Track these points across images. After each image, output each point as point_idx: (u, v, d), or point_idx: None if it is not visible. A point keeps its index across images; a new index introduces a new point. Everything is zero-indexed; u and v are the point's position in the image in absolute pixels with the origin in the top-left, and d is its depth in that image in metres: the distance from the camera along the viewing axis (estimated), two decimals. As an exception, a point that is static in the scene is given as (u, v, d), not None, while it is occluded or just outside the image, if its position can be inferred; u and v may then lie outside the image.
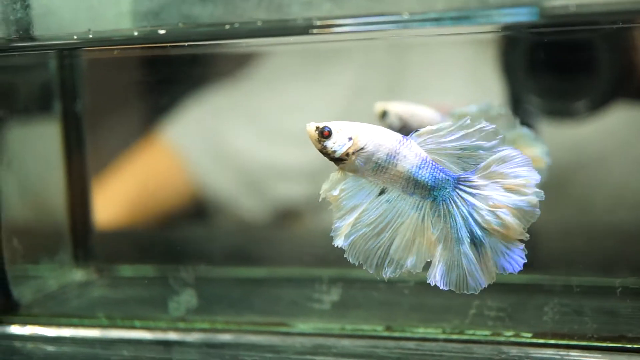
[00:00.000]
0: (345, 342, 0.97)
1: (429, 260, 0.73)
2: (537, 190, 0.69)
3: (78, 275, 1.24)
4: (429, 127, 0.72)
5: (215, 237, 1.34)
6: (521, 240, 0.70)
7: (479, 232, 0.70)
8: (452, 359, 0.92)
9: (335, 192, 0.73)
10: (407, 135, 0.73)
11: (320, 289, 1.09)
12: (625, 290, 0.98)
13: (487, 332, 0.96)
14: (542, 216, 0.71)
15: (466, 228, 0.70)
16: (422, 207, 0.72)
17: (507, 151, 0.70)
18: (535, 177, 0.69)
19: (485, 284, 0.71)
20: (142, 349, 1.01)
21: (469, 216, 0.70)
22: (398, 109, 0.90)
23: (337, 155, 0.72)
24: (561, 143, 1.29)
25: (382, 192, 0.73)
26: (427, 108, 0.92)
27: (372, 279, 1.08)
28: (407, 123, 0.90)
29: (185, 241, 1.35)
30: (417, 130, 0.73)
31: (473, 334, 0.96)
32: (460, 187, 0.71)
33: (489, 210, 0.70)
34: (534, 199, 0.69)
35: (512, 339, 0.94)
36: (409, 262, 0.73)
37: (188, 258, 1.22)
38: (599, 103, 1.21)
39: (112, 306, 1.15)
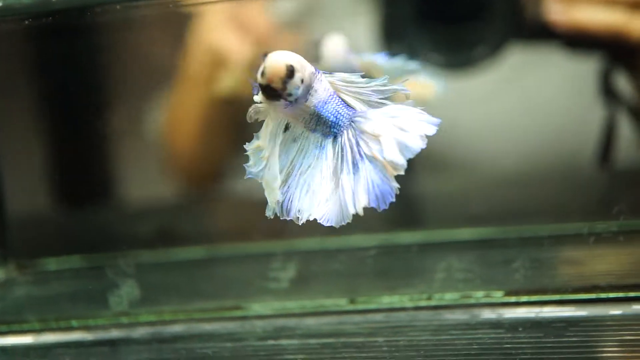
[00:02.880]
0: (310, 321, 0.91)
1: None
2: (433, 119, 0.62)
3: (-4, 274, 1.12)
4: (348, 75, 0.65)
5: (147, 216, 1.23)
6: (397, 177, 0.62)
7: (358, 157, 0.63)
8: (425, 329, 0.88)
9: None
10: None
11: (275, 265, 1.02)
12: (586, 237, 0.97)
13: (456, 295, 0.92)
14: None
15: (351, 157, 0.64)
16: (324, 146, 0.65)
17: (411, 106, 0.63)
18: (434, 123, 0.62)
19: (352, 213, 0.63)
20: (85, 352, 0.91)
21: (355, 145, 0.64)
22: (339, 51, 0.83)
23: (292, 99, 0.61)
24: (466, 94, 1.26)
25: (286, 128, 0.65)
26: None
27: (331, 249, 1.05)
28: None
29: (112, 223, 1.24)
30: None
31: (441, 299, 0.92)
32: (355, 120, 0.65)
33: (373, 136, 0.63)
34: (422, 133, 0.61)
35: (484, 300, 0.91)
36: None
37: (119, 243, 1.12)
38: (494, 48, 1.18)
39: (43, 306, 1.02)
